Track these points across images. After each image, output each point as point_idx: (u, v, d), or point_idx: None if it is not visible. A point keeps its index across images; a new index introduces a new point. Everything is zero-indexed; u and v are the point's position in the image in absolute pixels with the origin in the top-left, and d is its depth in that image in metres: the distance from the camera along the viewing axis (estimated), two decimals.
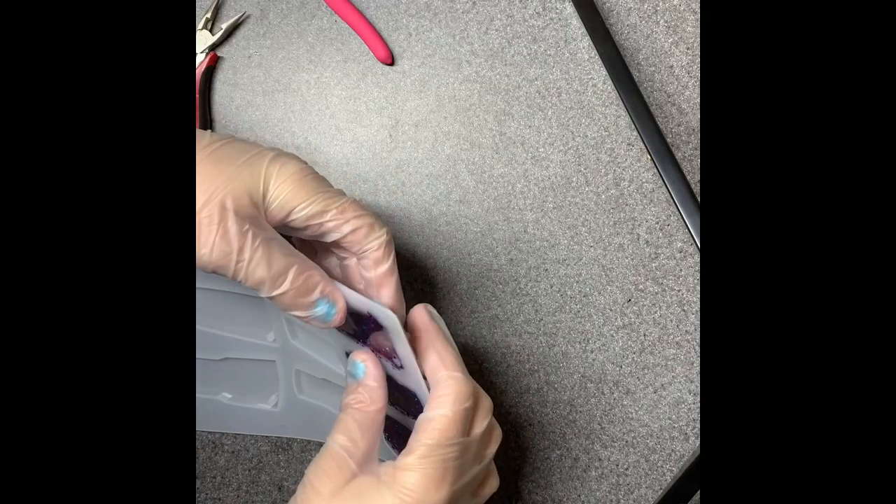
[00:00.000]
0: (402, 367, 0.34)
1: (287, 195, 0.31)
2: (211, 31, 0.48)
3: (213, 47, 0.48)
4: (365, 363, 0.33)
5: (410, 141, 0.45)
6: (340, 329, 0.35)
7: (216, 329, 0.41)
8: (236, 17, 0.48)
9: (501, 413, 0.42)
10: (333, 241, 0.33)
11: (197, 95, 0.46)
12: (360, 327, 0.34)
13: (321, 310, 0.32)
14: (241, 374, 0.43)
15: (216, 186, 0.29)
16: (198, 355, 0.42)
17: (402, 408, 0.36)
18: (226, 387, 0.43)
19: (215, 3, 0.48)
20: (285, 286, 0.31)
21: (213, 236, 0.29)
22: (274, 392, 0.43)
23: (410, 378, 0.34)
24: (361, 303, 0.33)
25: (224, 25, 0.48)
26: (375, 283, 0.34)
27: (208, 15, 0.48)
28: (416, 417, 0.33)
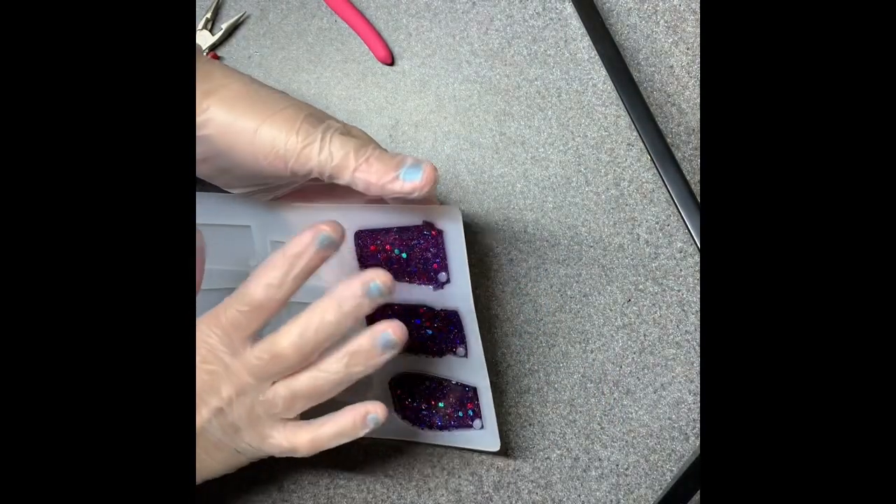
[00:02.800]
0: (447, 281, 0.35)
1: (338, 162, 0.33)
2: (211, 31, 0.48)
3: (213, 47, 0.48)
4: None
5: (410, 141, 0.45)
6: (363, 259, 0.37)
7: None
8: (236, 17, 0.48)
9: (502, 413, 0.42)
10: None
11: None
12: (407, 249, 0.36)
13: (408, 169, 0.32)
14: None
15: (286, 103, 0.33)
16: None
17: (433, 348, 0.37)
18: None
19: (215, 3, 0.48)
20: (369, 150, 0.32)
21: (298, 122, 0.32)
22: None
23: (456, 292, 0.35)
24: (415, 212, 0.35)
25: (224, 25, 0.48)
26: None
27: (208, 15, 0.48)
28: (452, 353, 0.35)
